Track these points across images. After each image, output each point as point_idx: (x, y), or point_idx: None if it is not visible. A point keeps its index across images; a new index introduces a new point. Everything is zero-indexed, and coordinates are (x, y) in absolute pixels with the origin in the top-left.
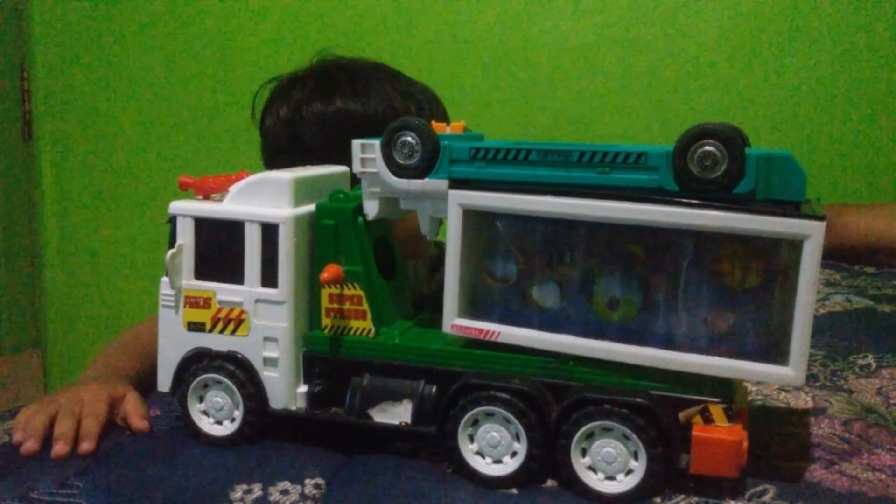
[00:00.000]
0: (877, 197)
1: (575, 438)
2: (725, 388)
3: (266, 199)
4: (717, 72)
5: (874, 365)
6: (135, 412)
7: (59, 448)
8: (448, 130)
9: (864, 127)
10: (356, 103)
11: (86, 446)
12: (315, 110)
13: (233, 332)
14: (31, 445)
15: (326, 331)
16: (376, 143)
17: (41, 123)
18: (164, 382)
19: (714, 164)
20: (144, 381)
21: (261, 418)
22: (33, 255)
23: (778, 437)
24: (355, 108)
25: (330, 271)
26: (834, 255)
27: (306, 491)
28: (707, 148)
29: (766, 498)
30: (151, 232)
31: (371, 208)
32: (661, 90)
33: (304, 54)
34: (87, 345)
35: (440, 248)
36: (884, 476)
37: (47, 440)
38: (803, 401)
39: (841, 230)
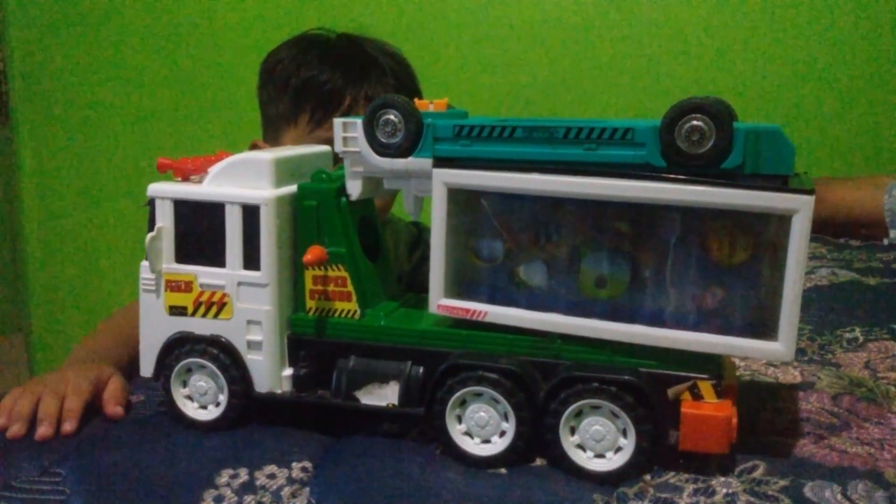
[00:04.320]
0: (855, 170)
1: (563, 417)
2: (714, 365)
3: (246, 180)
4: (708, 46)
5: (861, 338)
6: (111, 398)
7: (43, 430)
8: (431, 108)
9: (845, 102)
10: (320, 70)
11: (68, 427)
12: (283, 53)
13: (215, 316)
14: (16, 429)
15: (311, 313)
16: (358, 121)
17: (19, 105)
18: (147, 367)
19: (701, 138)
20: (130, 366)
21: (246, 402)
22: (14, 239)
23: (767, 413)
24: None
25: (313, 253)
26: (816, 229)
27: (293, 474)
28: (694, 122)
29: (756, 473)
30: (134, 214)
31: (354, 188)
32: (651, 65)
33: (289, 32)
34: (71, 328)
35: (418, 227)
36: (873, 449)
37: (33, 423)
38: (791, 375)
39: (822, 203)
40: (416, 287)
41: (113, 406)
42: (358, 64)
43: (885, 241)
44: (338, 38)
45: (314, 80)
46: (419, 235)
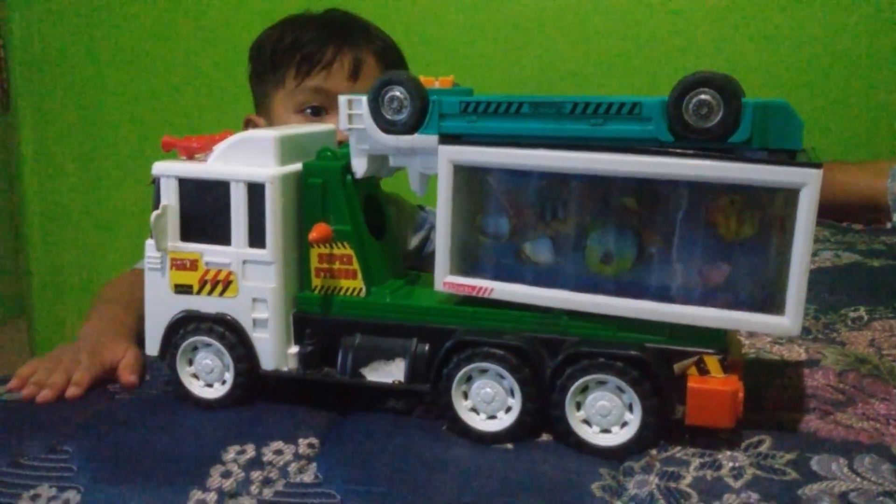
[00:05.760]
0: (858, 155)
1: (570, 392)
2: (720, 340)
3: (251, 158)
4: (712, 22)
5: (866, 318)
6: (126, 366)
7: (46, 393)
8: (437, 85)
9: (846, 86)
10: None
11: (72, 391)
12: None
13: (221, 294)
14: (46, 394)
15: (316, 291)
16: (363, 98)
17: (20, 93)
18: (153, 346)
19: (709, 112)
20: (138, 333)
21: (252, 380)
22: (16, 225)
23: (773, 389)
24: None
25: (318, 231)
26: (820, 212)
27: (300, 450)
28: (702, 97)
29: (763, 448)
30: (135, 199)
31: (359, 166)
32: (655, 43)
33: (291, 10)
34: (74, 313)
35: (424, 210)
36: (878, 424)
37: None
38: (797, 353)
39: (825, 187)
40: (422, 269)
41: (128, 375)
42: (340, 24)
43: (889, 225)
44: (322, 12)
45: (297, 41)
46: (425, 217)
